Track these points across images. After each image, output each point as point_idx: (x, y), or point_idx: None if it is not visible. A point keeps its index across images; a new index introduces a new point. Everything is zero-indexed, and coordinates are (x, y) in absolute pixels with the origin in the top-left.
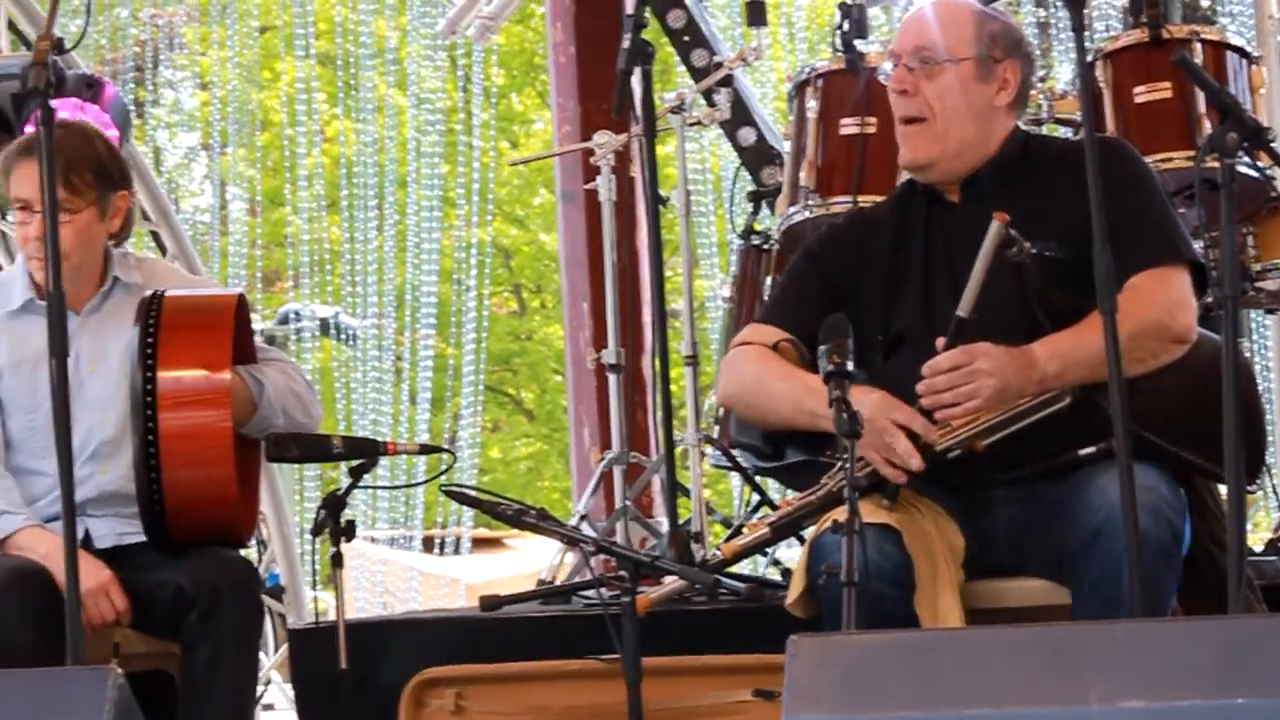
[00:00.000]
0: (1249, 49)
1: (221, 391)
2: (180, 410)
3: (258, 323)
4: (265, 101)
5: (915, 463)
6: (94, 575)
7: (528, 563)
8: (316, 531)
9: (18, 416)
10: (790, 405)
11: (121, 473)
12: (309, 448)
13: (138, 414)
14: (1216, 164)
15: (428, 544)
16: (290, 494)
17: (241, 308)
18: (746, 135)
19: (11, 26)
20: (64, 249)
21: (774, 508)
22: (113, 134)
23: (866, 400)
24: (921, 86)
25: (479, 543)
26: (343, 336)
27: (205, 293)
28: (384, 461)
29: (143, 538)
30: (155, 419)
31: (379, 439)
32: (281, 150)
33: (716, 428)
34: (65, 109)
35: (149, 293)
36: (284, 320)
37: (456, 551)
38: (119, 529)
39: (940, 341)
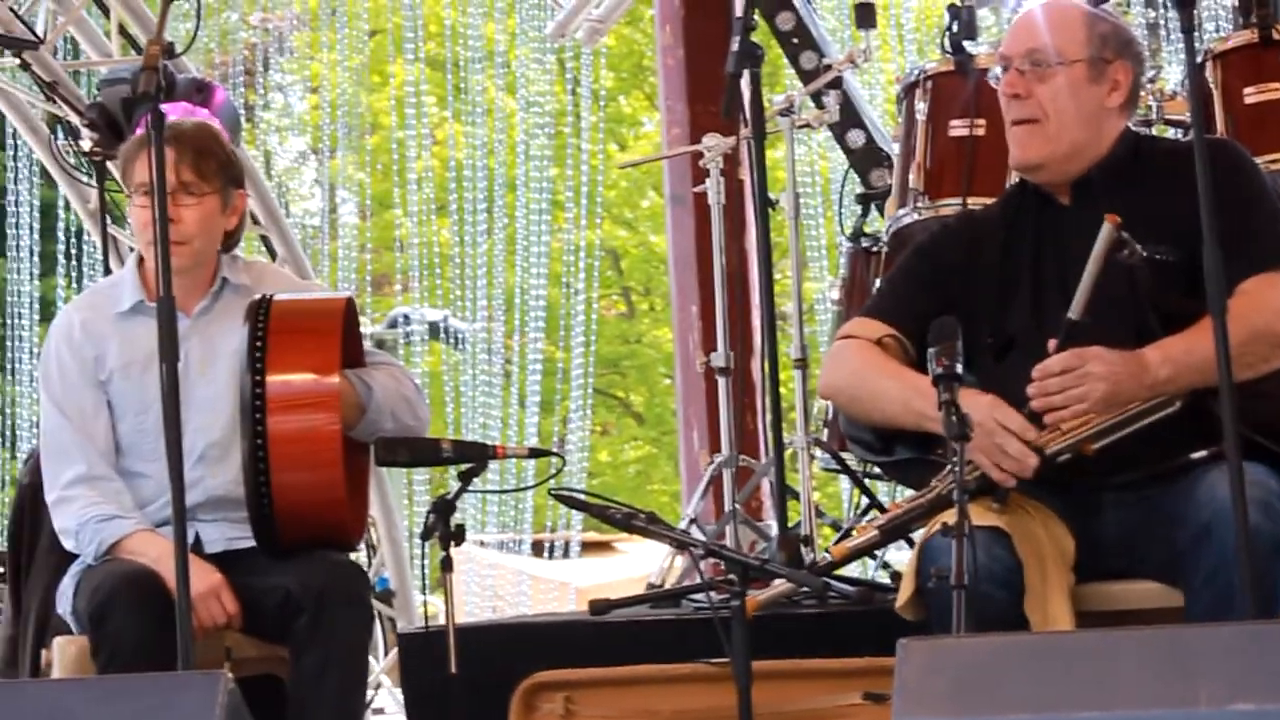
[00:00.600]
0: None
1: (330, 395)
2: (289, 414)
3: (367, 326)
4: (374, 105)
5: (1031, 462)
6: (204, 579)
7: (636, 566)
8: (426, 536)
9: (127, 419)
10: (898, 404)
11: (231, 477)
12: (418, 452)
13: (246, 418)
14: None
15: (537, 548)
16: (399, 498)
17: (350, 311)
18: (855, 138)
19: (122, 31)
20: (188, 232)
21: (883, 511)
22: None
23: (976, 403)
24: (1033, 89)
25: (588, 546)
26: (452, 340)
27: (314, 296)
28: (493, 465)
29: (252, 542)
30: (264, 423)
31: (488, 443)
32: (390, 154)
33: (826, 430)
34: (175, 113)
35: (257, 296)
36: (393, 324)
37: (566, 555)
38: (228, 533)
39: (1052, 344)
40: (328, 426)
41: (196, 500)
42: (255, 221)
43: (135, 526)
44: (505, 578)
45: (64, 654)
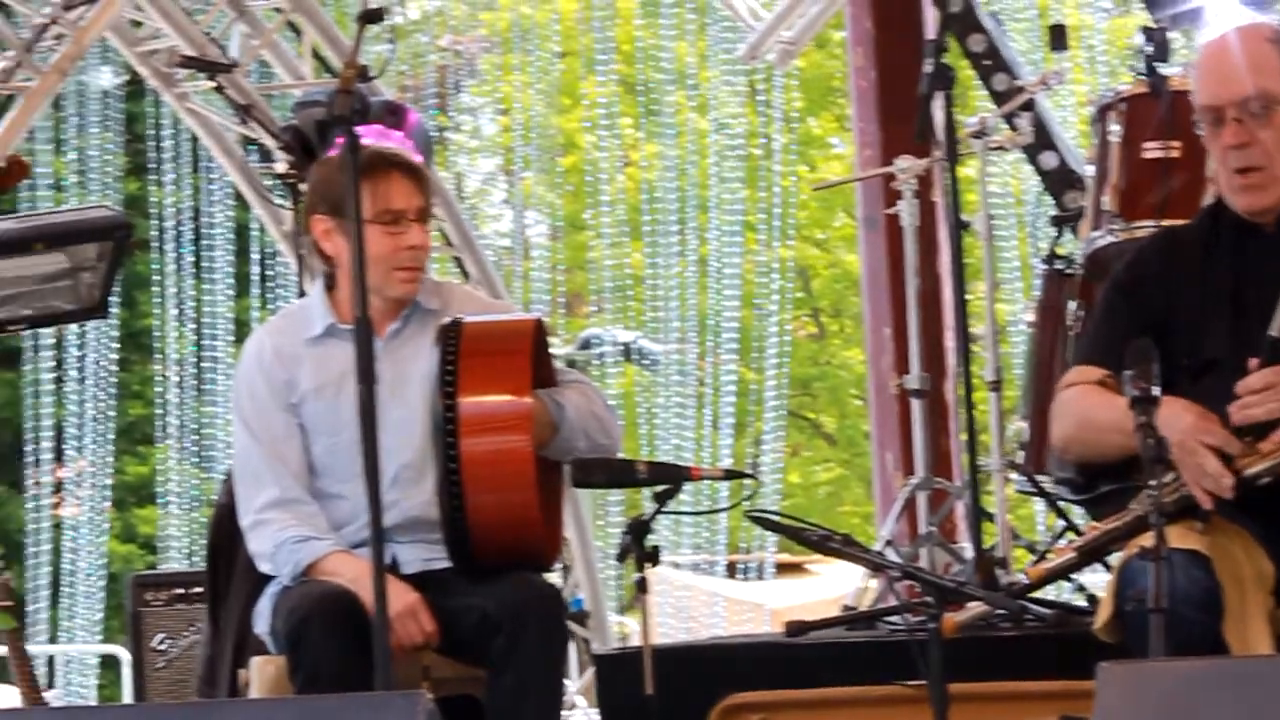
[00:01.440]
0: None
1: (522, 416)
2: (482, 435)
3: (558, 347)
4: (566, 126)
5: (1226, 482)
6: (402, 598)
7: (830, 588)
8: (621, 557)
9: (321, 442)
10: (1121, 431)
11: (425, 498)
12: (614, 473)
13: (439, 440)
14: None
15: (731, 569)
16: (593, 518)
17: (539, 332)
18: (1048, 159)
19: (315, 54)
20: (423, 258)
21: (1078, 533)
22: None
23: (1180, 421)
24: (1256, 135)
25: (782, 568)
26: (643, 361)
27: (504, 318)
28: (687, 486)
29: (448, 563)
30: (457, 444)
31: (683, 464)
32: (582, 174)
33: (1020, 453)
34: (369, 136)
35: (447, 319)
36: (585, 345)
37: (760, 577)
38: (424, 555)
39: (1254, 362)
40: (520, 447)
41: (393, 522)
42: (448, 243)
43: (331, 547)
44: (699, 599)
45: (262, 674)
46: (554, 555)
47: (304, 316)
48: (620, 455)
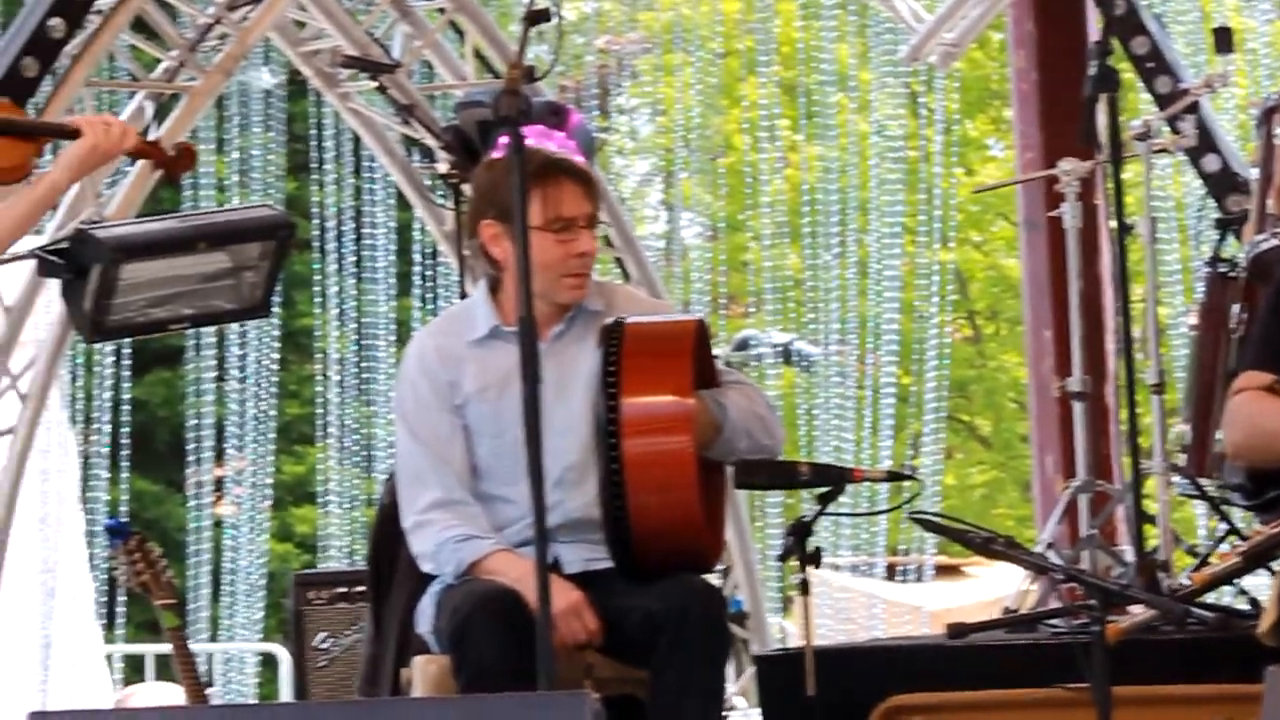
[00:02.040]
0: None
1: (684, 417)
2: (644, 436)
3: (715, 348)
4: (724, 127)
5: None
6: (565, 597)
7: (988, 590)
8: (783, 558)
9: (485, 443)
10: None
11: (588, 499)
12: (776, 475)
13: (601, 440)
14: None
15: (890, 571)
16: (750, 519)
17: (701, 332)
18: (1210, 162)
19: (477, 54)
20: (591, 263)
21: (1242, 537)
22: (579, 160)
23: None
24: None
25: (941, 570)
26: (801, 363)
27: (666, 319)
28: (846, 488)
29: (610, 564)
30: (619, 445)
31: (845, 466)
32: (740, 176)
33: (1182, 456)
34: (532, 136)
35: (610, 320)
36: (740, 346)
37: (919, 579)
38: (586, 555)
39: None
40: (683, 448)
41: (555, 522)
42: (609, 244)
43: (494, 546)
44: (857, 601)
45: (424, 673)
46: (716, 556)
47: (467, 318)
48: (781, 457)
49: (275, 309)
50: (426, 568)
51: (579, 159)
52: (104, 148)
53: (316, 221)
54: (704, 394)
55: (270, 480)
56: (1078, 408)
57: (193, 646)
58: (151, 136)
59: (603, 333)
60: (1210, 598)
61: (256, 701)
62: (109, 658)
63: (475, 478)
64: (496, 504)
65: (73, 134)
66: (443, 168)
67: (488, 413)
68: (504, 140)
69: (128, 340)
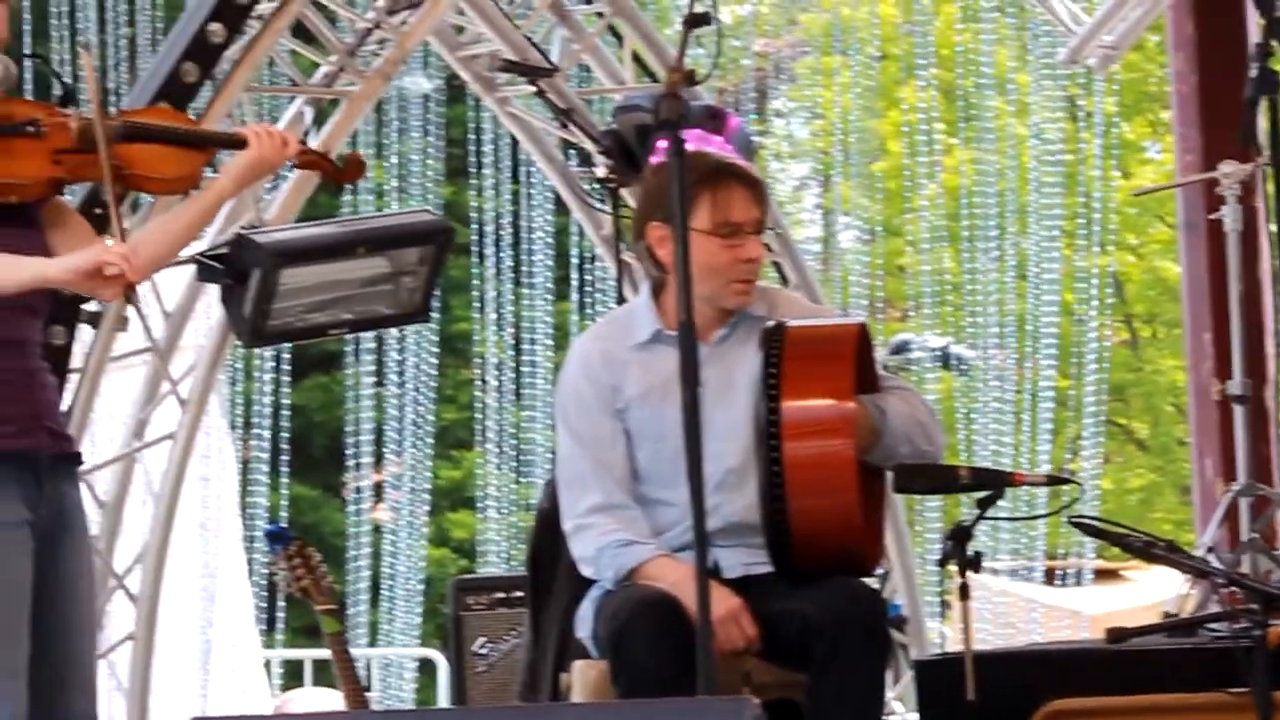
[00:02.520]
0: None
1: (845, 420)
2: (805, 440)
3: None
4: (881, 130)
5: None
6: (724, 603)
7: (1147, 594)
8: (943, 562)
9: (646, 447)
10: None
11: (747, 503)
12: (936, 479)
13: (762, 444)
14: None
15: (1049, 575)
16: (909, 523)
17: (863, 336)
18: None
19: (636, 58)
20: (758, 269)
21: None
22: (749, 166)
23: None
24: None
25: (1099, 574)
26: (958, 367)
27: (827, 322)
28: (1005, 492)
29: (769, 568)
30: (780, 449)
31: (1005, 470)
32: (898, 179)
33: None
34: (691, 140)
35: (771, 323)
36: (897, 350)
37: (1077, 583)
38: (746, 559)
39: None
40: (843, 452)
41: (715, 526)
42: (767, 248)
43: (654, 552)
44: (1016, 605)
45: (584, 678)
46: (875, 560)
47: (630, 322)
48: (941, 461)
49: (434, 313)
50: (587, 572)
51: (750, 165)
52: (270, 158)
53: (475, 226)
54: (864, 399)
55: (428, 485)
56: (1238, 411)
57: (355, 652)
58: (310, 142)
59: (764, 336)
60: None
61: (415, 707)
62: (268, 663)
63: (636, 481)
64: (656, 508)
65: (240, 144)
66: (601, 172)
67: (649, 417)
68: (663, 144)
69: (287, 345)
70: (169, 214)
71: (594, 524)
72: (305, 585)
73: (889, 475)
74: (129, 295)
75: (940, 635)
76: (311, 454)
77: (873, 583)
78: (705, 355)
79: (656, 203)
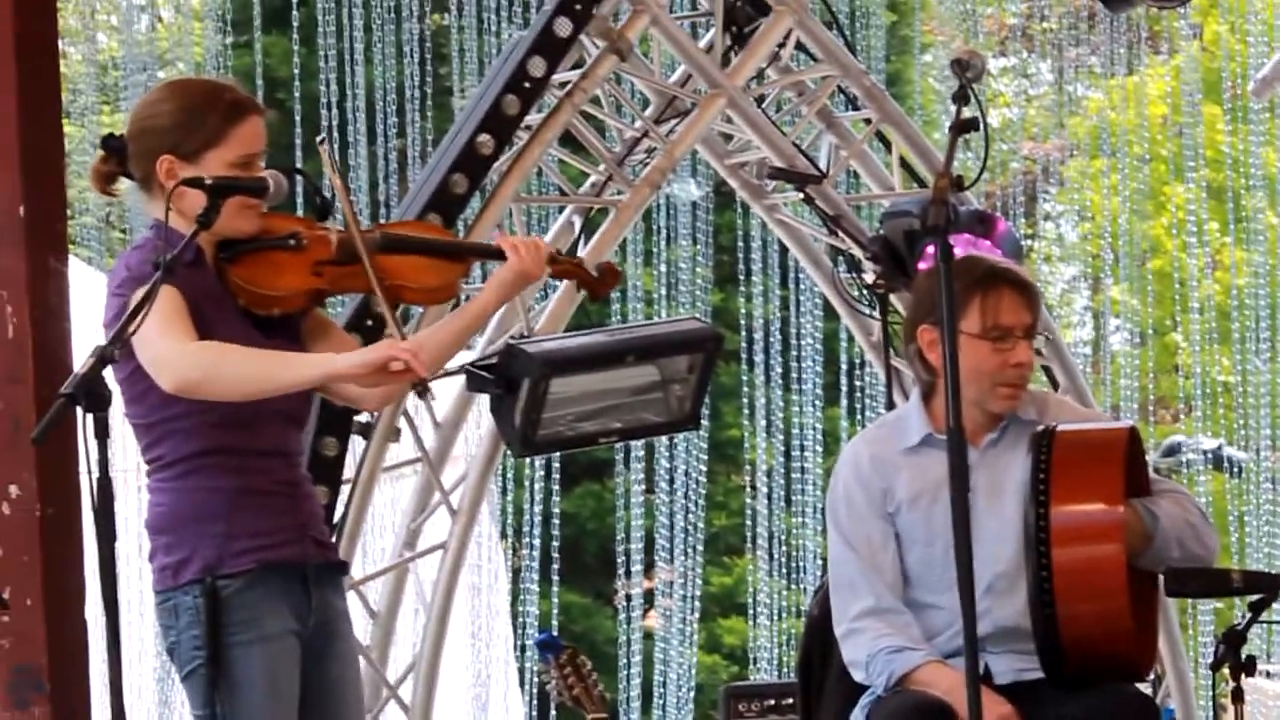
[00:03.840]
0: None
1: (1115, 525)
2: (1074, 545)
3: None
4: (1152, 231)
5: None
6: (995, 709)
7: None
8: (1216, 666)
9: (915, 550)
10: None
11: (1018, 608)
12: (1208, 583)
13: (1031, 549)
14: None
15: None
16: (1182, 626)
17: (1134, 440)
18: None
19: (903, 163)
20: (1028, 375)
21: None
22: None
23: None
24: None
25: None
26: (1232, 469)
27: (1097, 426)
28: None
29: (1041, 674)
30: (1049, 554)
31: (1276, 573)
32: (1168, 280)
33: None
34: (959, 245)
35: (1041, 427)
36: (1170, 452)
37: None
38: (1017, 665)
39: None
40: (1113, 557)
41: (985, 631)
42: (1038, 352)
43: (926, 658)
44: None
45: None
46: (1149, 665)
47: (901, 426)
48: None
49: (704, 420)
50: (858, 676)
51: (1022, 269)
52: (530, 270)
53: (744, 333)
54: (1135, 502)
55: (698, 592)
56: None
57: None
58: (580, 251)
59: (1033, 439)
60: None
61: None
62: None
63: (906, 585)
64: (926, 612)
65: (498, 254)
66: (869, 277)
67: (919, 520)
68: (931, 250)
69: (557, 454)
70: (434, 327)
71: (866, 628)
72: (577, 694)
73: (1160, 579)
74: (420, 390)
75: None
76: (583, 562)
77: (1145, 688)
78: (975, 459)
79: (928, 307)
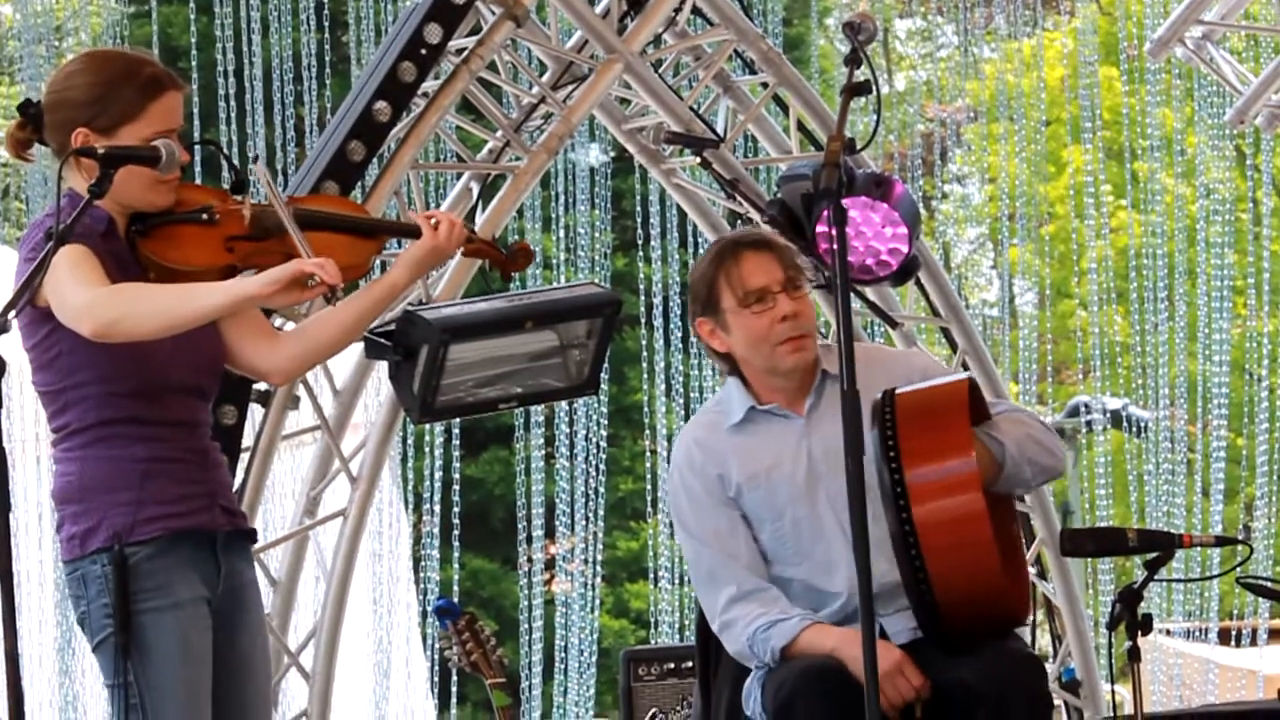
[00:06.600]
0: None
1: (969, 476)
2: (932, 501)
3: (1048, 415)
4: (1050, 194)
5: None
6: (886, 657)
7: None
8: (1113, 625)
9: (765, 528)
10: None
11: (890, 565)
12: (1104, 542)
13: (892, 513)
14: None
15: (1224, 636)
16: (1083, 586)
17: (974, 393)
18: None
19: (800, 127)
20: (808, 325)
21: None
22: (901, 231)
23: None
24: None
25: (1275, 634)
26: (1133, 428)
27: (937, 383)
28: (1178, 553)
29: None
30: (910, 515)
31: (1174, 532)
32: (1067, 242)
33: None
34: (855, 208)
35: (879, 394)
36: (1073, 412)
37: (1253, 643)
38: (911, 624)
39: None
40: (972, 506)
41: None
42: (935, 314)
43: (801, 623)
44: (1192, 666)
45: None
46: (1024, 608)
47: (724, 408)
48: (1111, 524)
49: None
50: (749, 664)
51: (764, 230)
52: (444, 247)
53: (643, 297)
54: (978, 432)
55: (601, 556)
56: None
57: None
58: (477, 216)
59: (875, 410)
60: None
61: None
62: None
63: (767, 564)
64: (790, 586)
65: (413, 232)
66: None
67: (761, 499)
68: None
69: (458, 420)
70: (342, 302)
71: (736, 617)
72: (475, 659)
73: (1057, 537)
74: (330, 297)
75: (1119, 696)
76: (491, 527)
77: (1044, 646)
78: (802, 428)
79: (699, 300)
